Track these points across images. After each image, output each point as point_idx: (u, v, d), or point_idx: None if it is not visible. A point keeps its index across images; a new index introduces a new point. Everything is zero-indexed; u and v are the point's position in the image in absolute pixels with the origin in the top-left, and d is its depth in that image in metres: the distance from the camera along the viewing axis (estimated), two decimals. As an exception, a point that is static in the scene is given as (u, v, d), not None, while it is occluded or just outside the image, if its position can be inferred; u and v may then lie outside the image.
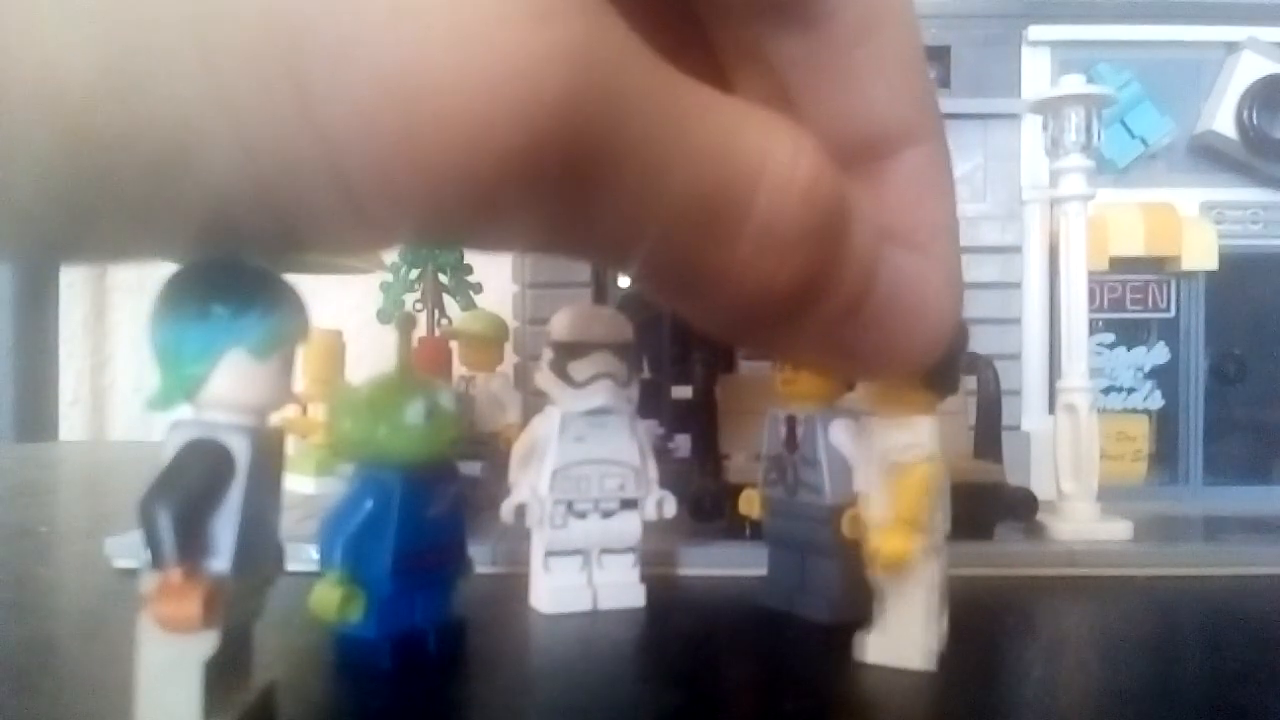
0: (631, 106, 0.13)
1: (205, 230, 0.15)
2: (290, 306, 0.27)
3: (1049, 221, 0.65)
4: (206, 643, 0.25)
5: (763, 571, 0.44)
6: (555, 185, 0.13)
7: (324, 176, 0.12)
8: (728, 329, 0.19)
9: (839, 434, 0.42)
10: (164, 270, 0.27)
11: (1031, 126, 0.64)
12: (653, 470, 0.44)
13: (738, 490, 0.46)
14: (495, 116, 0.11)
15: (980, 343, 0.55)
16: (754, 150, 0.14)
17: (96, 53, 0.11)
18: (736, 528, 0.49)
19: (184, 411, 0.27)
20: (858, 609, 0.38)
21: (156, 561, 0.24)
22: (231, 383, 0.26)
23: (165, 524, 0.24)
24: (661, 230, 0.14)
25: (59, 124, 0.12)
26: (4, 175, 0.12)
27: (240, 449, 0.26)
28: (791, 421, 0.43)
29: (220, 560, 0.26)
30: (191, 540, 0.25)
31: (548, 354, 0.43)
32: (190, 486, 0.25)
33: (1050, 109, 0.55)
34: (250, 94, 0.11)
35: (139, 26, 0.11)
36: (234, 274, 0.26)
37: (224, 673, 0.26)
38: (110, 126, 0.12)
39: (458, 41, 0.11)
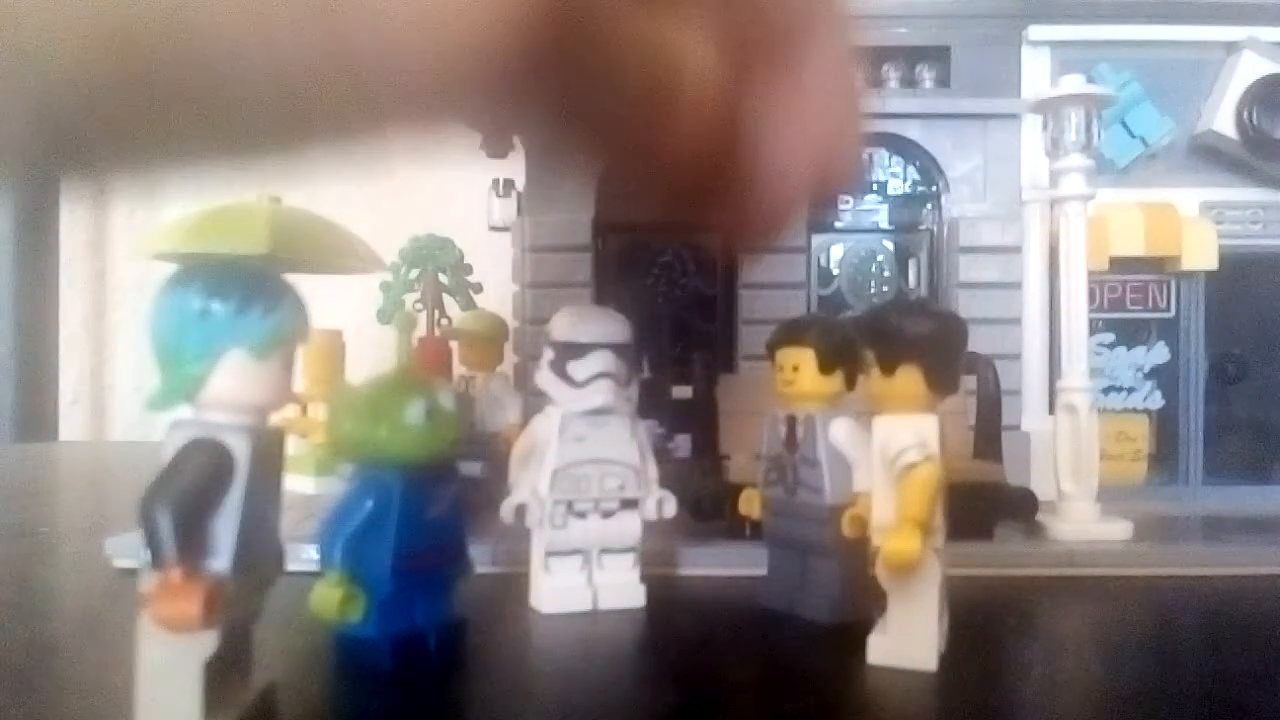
0: (597, 5, 0.16)
1: (228, 128, 0.16)
2: (291, 306, 0.27)
3: (1049, 221, 0.65)
4: (206, 642, 0.25)
5: (762, 571, 0.44)
6: (538, 71, 0.16)
7: (342, 76, 0.15)
8: (668, 192, 0.22)
9: (839, 433, 0.42)
10: (164, 271, 0.27)
11: (1031, 127, 0.64)
12: (653, 470, 0.44)
13: (738, 490, 0.46)
14: (500, 13, 0.14)
15: (980, 343, 0.55)
16: (679, 45, 0.18)
17: None
18: (736, 528, 0.49)
19: (183, 411, 0.27)
20: (857, 609, 0.38)
21: (156, 561, 0.24)
22: (232, 383, 0.26)
23: (165, 524, 0.24)
24: (612, 112, 0.18)
25: (102, 32, 0.13)
26: (45, 83, 0.14)
27: (240, 449, 0.26)
28: (791, 422, 0.43)
29: (220, 560, 0.26)
30: (191, 540, 0.25)
31: (548, 354, 0.43)
32: (190, 486, 0.25)
33: (1050, 109, 0.55)
34: (279, 15, 0.14)
35: None
36: (234, 273, 0.26)
37: (224, 672, 0.26)
38: (145, 34, 0.13)
39: None
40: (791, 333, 0.43)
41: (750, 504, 0.45)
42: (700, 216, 0.25)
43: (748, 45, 0.21)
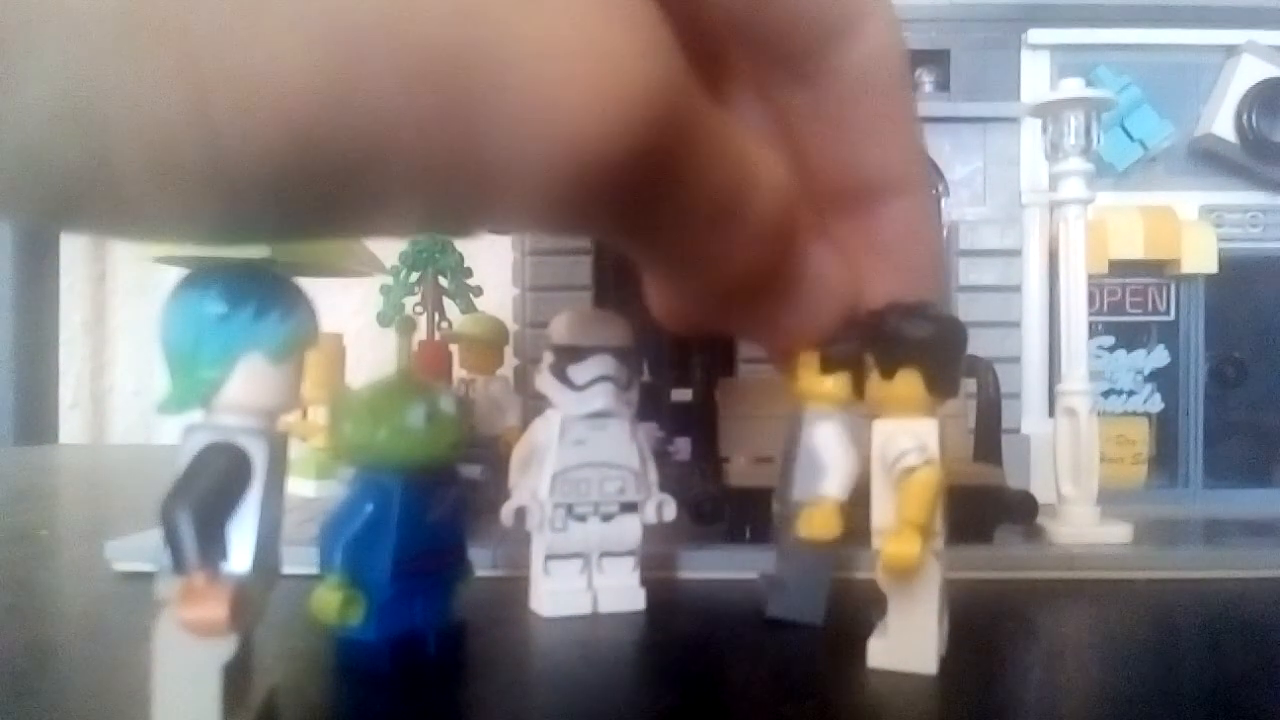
0: (695, 120, 0.17)
1: (362, 212, 0.17)
2: (304, 309, 0.27)
3: (1049, 225, 0.65)
4: (227, 646, 0.25)
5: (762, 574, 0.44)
6: (639, 181, 0.16)
7: (470, 175, 0.15)
8: (704, 301, 0.23)
9: (822, 433, 0.42)
10: (169, 275, 0.27)
11: (1031, 130, 0.65)
12: (653, 473, 0.44)
13: (738, 494, 0.46)
14: (621, 125, 0.15)
15: (980, 346, 0.55)
16: (754, 161, 0.19)
17: (319, 59, 0.14)
18: (737, 531, 0.49)
19: (195, 415, 0.27)
20: (843, 608, 0.38)
21: (179, 565, 0.24)
22: (248, 386, 0.26)
23: (187, 527, 0.24)
24: (691, 223, 0.18)
25: (286, 123, 0.14)
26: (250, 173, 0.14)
27: (258, 452, 0.26)
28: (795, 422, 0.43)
29: (241, 563, 0.26)
30: (212, 543, 0.25)
31: (548, 357, 0.43)
32: (210, 490, 0.25)
33: (1050, 112, 0.55)
34: (433, 107, 0.14)
35: (351, 43, 0.14)
36: (250, 277, 0.26)
37: (238, 676, 0.27)
38: (320, 125, 0.14)
39: (594, 74, 0.15)
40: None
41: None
42: (734, 321, 0.26)
43: (829, 179, 0.22)
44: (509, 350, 0.67)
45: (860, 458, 0.40)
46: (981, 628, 0.40)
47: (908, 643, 0.34)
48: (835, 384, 0.42)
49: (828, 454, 0.42)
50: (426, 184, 0.15)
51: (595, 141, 0.15)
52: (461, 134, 0.15)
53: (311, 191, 0.15)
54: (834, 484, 0.42)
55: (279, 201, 0.15)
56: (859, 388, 0.42)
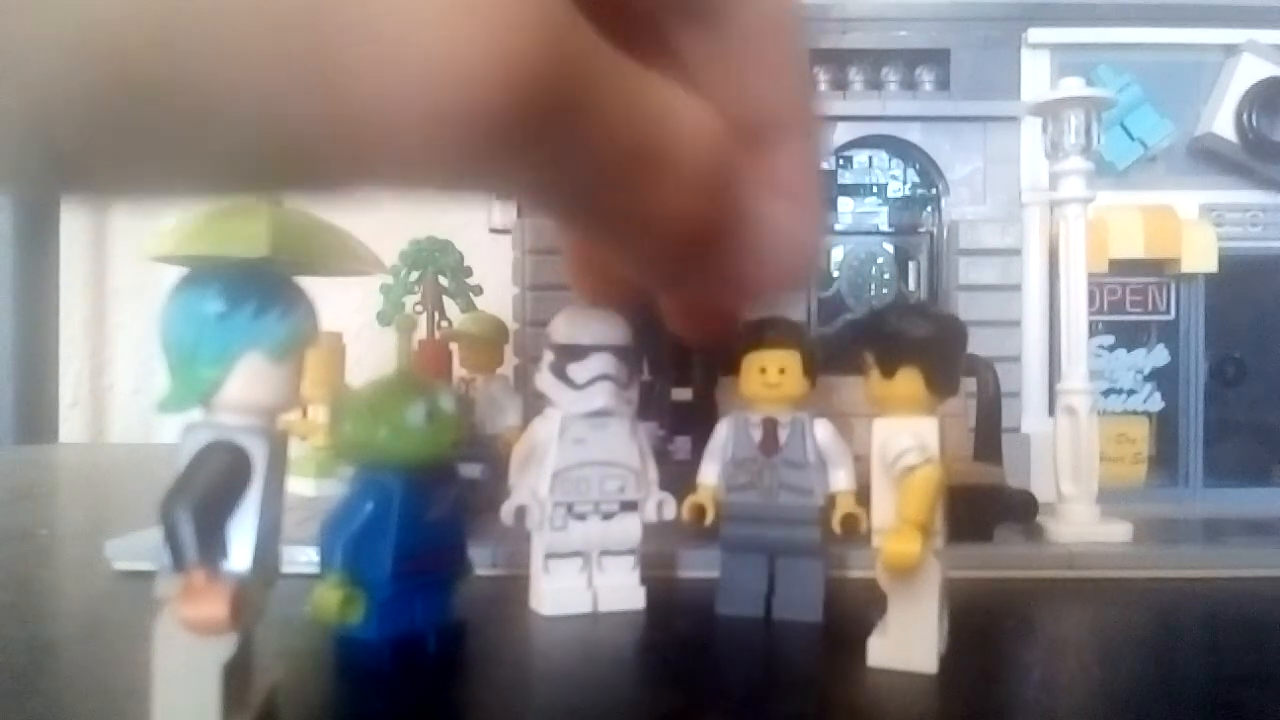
0: (591, 67, 0.16)
1: (216, 162, 0.16)
2: (304, 308, 0.27)
3: (1049, 224, 0.65)
4: (227, 645, 0.25)
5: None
6: (529, 133, 0.16)
7: (333, 122, 0.15)
8: (648, 265, 0.22)
9: (824, 434, 0.42)
10: (168, 274, 0.27)
11: (1031, 129, 0.65)
12: (653, 472, 0.44)
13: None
14: (496, 69, 0.14)
15: (980, 345, 0.55)
16: (673, 108, 0.18)
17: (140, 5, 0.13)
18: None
19: (194, 414, 0.27)
20: (842, 607, 0.38)
21: (179, 563, 0.24)
22: (248, 385, 0.26)
23: (187, 526, 0.24)
24: (604, 176, 0.18)
25: (97, 54, 0.13)
26: (41, 100, 0.14)
27: (258, 451, 0.26)
28: (771, 425, 0.43)
29: (241, 561, 0.26)
30: (212, 542, 0.25)
31: (548, 356, 0.43)
32: (210, 488, 0.25)
33: (1050, 111, 0.55)
34: (272, 43, 0.14)
35: None
36: (250, 276, 0.26)
37: (238, 675, 0.27)
38: (140, 60, 0.13)
39: (471, 13, 0.14)
40: (777, 334, 0.43)
41: (704, 509, 0.44)
42: (675, 289, 0.25)
43: (736, 122, 0.21)
44: (509, 349, 0.67)
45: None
46: (981, 627, 0.40)
47: (908, 642, 0.34)
48: (807, 385, 0.43)
49: (832, 449, 0.43)
50: (286, 134, 0.15)
51: (475, 91, 0.14)
52: (316, 79, 0.14)
53: (150, 138, 0.15)
54: (846, 477, 0.42)
55: (114, 148, 0.15)
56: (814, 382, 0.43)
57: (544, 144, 0.16)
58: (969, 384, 0.57)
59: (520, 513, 0.42)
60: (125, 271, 1.41)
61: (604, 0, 0.17)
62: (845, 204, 0.70)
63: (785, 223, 0.22)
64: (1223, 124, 0.65)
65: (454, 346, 0.66)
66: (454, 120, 0.15)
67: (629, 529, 0.43)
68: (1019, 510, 0.54)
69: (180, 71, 0.14)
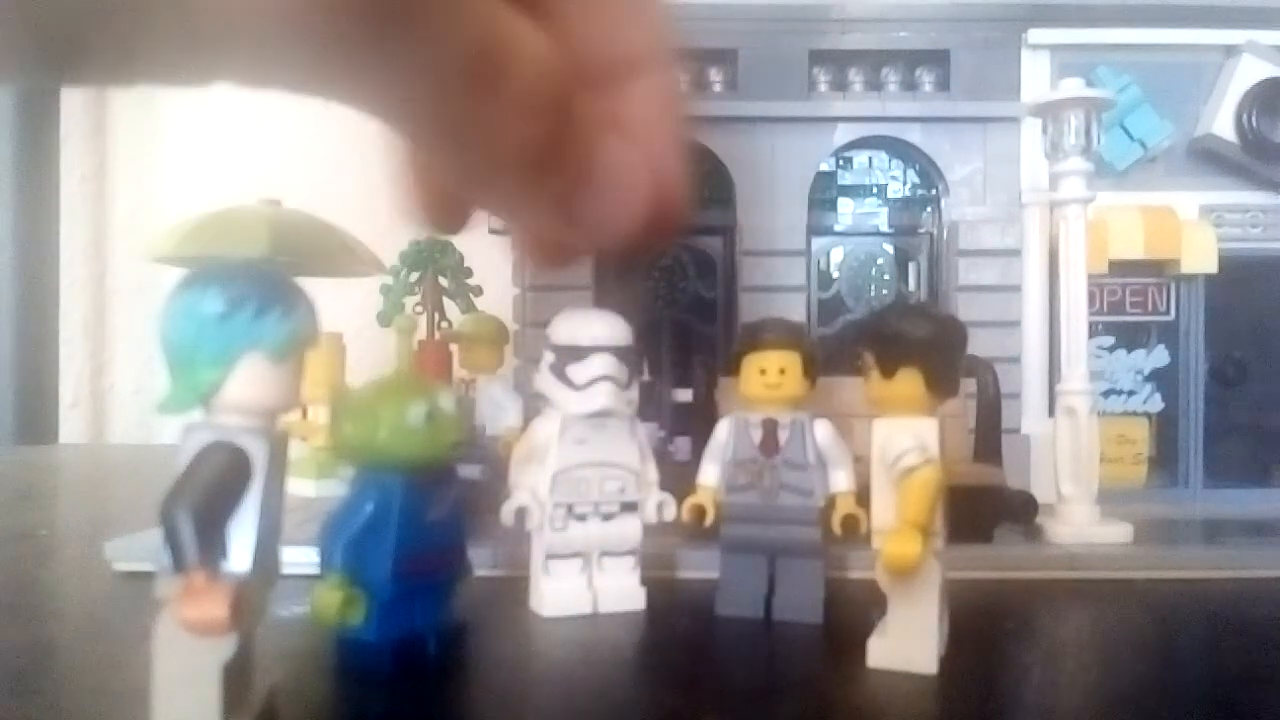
0: None
1: (52, 40, 0.16)
2: (304, 309, 0.27)
3: (1049, 225, 0.65)
4: (226, 646, 0.25)
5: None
6: (358, 24, 0.16)
7: (165, 7, 0.14)
8: (484, 185, 0.22)
9: (824, 435, 0.42)
10: (168, 275, 0.27)
11: (1031, 130, 0.65)
12: (653, 473, 0.44)
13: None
14: None
15: (980, 346, 0.55)
16: (511, 30, 0.18)
17: None
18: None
19: (194, 414, 0.27)
20: (843, 608, 0.38)
21: (179, 564, 0.24)
22: (248, 386, 0.26)
23: (187, 526, 0.24)
24: (438, 82, 0.18)
25: None
26: None
27: (258, 452, 0.26)
28: (771, 425, 0.43)
29: (241, 562, 0.26)
30: (212, 543, 0.25)
31: (548, 356, 0.43)
32: (210, 489, 0.25)
33: (1050, 112, 0.55)
34: None
35: None
36: (250, 277, 0.26)
37: (238, 675, 0.27)
38: None
39: None
40: (777, 335, 0.43)
41: (703, 510, 0.44)
42: (518, 211, 0.26)
43: (584, 55, 0.22)
44: (509, 350, 0.67)
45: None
46: (981, 628, 0.40)
47: (908, 642, 0.34)
48: (808, 386, 0.43)
49: (832, 450, 0.43)
50: (125, 15, 0.15)
51: None
52: None
53: None
54: (846, 478, 0.42)
55: None
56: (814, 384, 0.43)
57: (386, 35, 0.16)
58: (969, 385, 0.57)
59: (521, 513, 0.42)
60: (125, 272, 1.41)
61: None
62: (845, 205, 0.70)
63: (625, 164, 0.23)
64: (1222, 125, 0.65)
65: (454, 347, 0.66)
66: (278, 8, 0.15)
67: (629, 530, 0.43)
68: (1019, 511, 0.54)
69: None
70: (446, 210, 0.26)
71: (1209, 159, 0.67)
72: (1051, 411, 0.59)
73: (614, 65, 0.23)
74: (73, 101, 1.34)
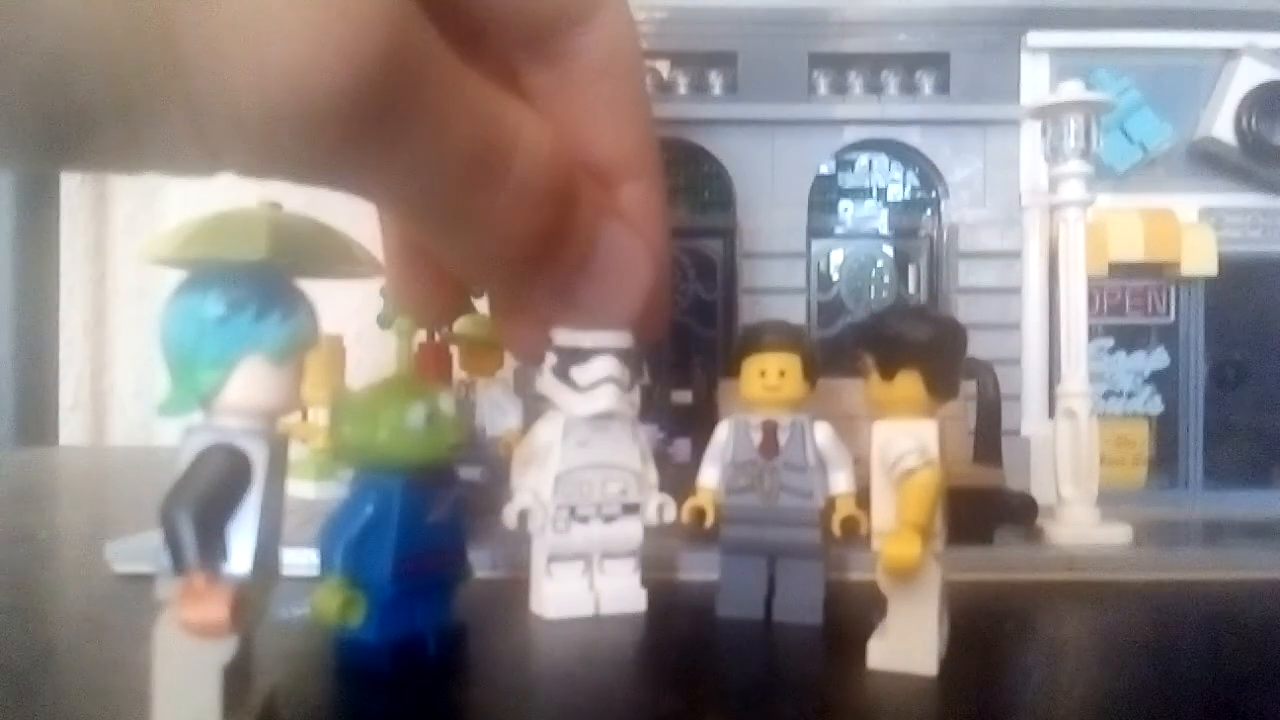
0: (427, 71, 0.17)
1: (70, 141, 0.16)
2: (305, 311, 0.27)
3: (1048, 227, 0.65)
4: (227, 647, 0.25)
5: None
6: (364, 128, 0.16)
7: (177, 106, 0.15)
8: (485, 272, 0.23)
9: (824, 437, 0.42)
10: (165, 277, 0.27)
11: (1031, 132, 0.65)
12: (653, 475, 0.44)
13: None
14: (327, 61, 0.15)
15: (980, 348, 0.55)
16: (513, 123, 0.19)
17: None
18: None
19: (195, 416, 0.27)
20: (843, 609, 0.38)
21: (179, 566, 0.24)
22: (248, 388, 0.26)
23: (187, 528, 0.24)
24: (441, 175, 0.18)
25: None
26: None
27: (258, 454, 0.26)
28: (770, 427, 0.43)
29: (241, 564, 0.26)
30: (212, 545, 0.25)
31: (550, 359, 0.43)
32: (210, 491, 0.25)
33: (1049, 115, 0.55)
34: (122, 30, 0.14)
35: None
36: (250, 279, 0.26)
37: (238, 677, 0.27)
38: None
39: (305, 6, 0.14)
40: (777, 337, 0.43)
41: (703, 512, 0.44)
42: (519, 296, 0.26)
43: (579, 155, 0.22)
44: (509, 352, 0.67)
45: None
46: (981, 629, 0.40)
47: (908, 644, 0.34)
48: (808, 388, 0.43)
49: (832, 452, 0.43)
50: (128, 104, 0.15)
51: (315, 74, 0.15)
52: (155, 44, 0.14)
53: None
54: (846, 480, 0.42)
55: None
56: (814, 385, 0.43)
57: (385, 132, 0.16)
58: (969, 387, 0.57)
59: (523, 515, 0.42)
60: (126, 274, 1.41)
61: (457, 39, 0.18)
62: (845, 207, 0.70)
63: (622, 248, 0.23)
64: (1222, 127, 0.65)
65: (454, 349, 0.66)
66: (293, 99, 0.15)
67: (630, 531, 0.43)
68: (1019, 513, 0.54)
69: (27, 36, 0.14)
70: (435, 304, 0.26)
71: (1209, 162, 0.67)
72: (1051, 413, 0.59)
73: (609, 166, 0.24)
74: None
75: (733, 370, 0.44)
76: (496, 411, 0.62)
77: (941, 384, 0.35)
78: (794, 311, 0.65)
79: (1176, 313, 0.67)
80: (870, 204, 0.70)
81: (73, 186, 1.37)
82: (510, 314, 0.28)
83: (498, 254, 0.21)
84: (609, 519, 0.43)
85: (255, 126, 0.15)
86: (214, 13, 0.14)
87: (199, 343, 0.26)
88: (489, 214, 0.19)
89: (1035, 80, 0.67)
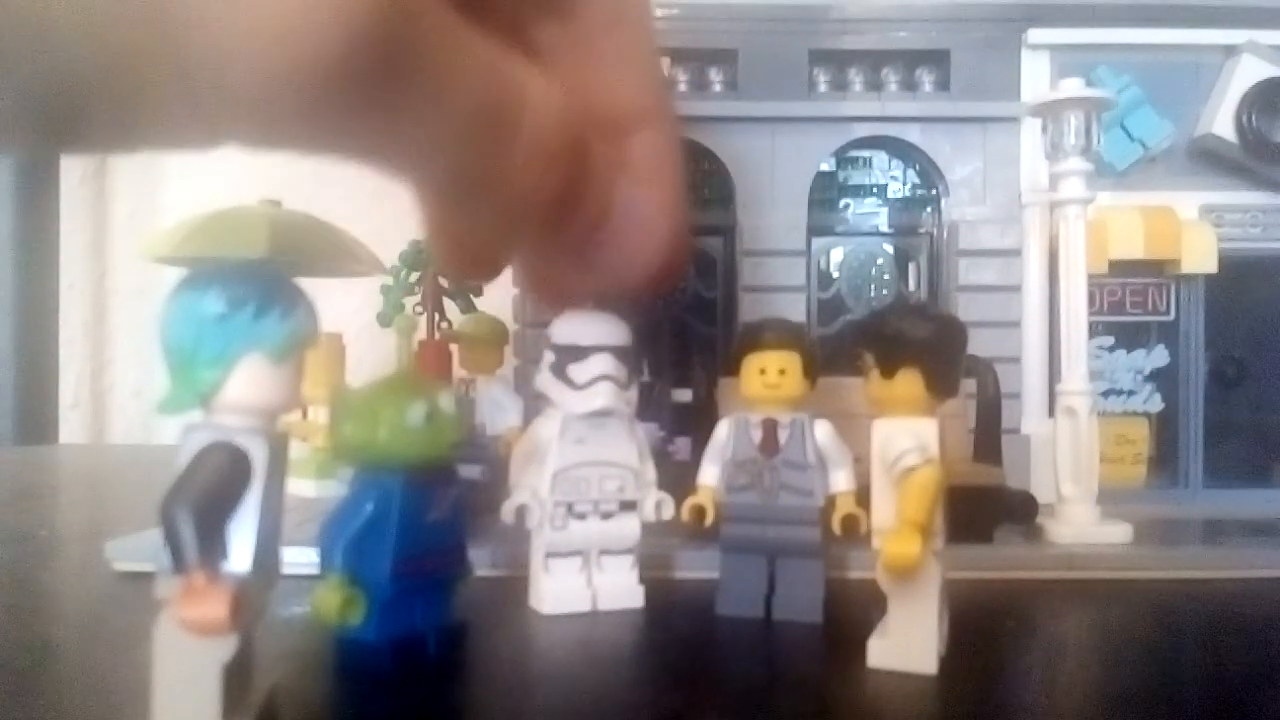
0: (426, 26, 0.16)
1: (62, 121, 0.16)
2: (305, 309, 0.27)
3: (1049, 225, 0.65)
4: (227, 646, 0.25)
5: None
6: (362, 88, 0.16)
7: (170, 80, 0.15)
8: (500, 237, 0.22)
9: (824, 435, 0.42)
10: (166, 275, 0.27)
11: (1031, 130, 0.65)
12: (651, 472, 0.44)
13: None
14: (321, 20, 0.14)
15: (980, 346, 0.55)
16: (519, 80, 0.18)
17: None
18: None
19: (194, 415, 0.27)
20: (843, 608, 0.38)
21: (179, 565, 0.24)
22: (247, 386, 0.26)
23: (187, 527, 0.24)
24: (449, 139, 0.18)
25: None
26: None
27: (258, 452, 0.26)
28: (770, 425, 0.43)
29: (241, 563, 0.26)
30: (212, 543, 0.25)
31: (548, 356, 0.43)
32: (210, 489, 0.25)
33: (1050, 112, 0.55)
34: (107, 4, 0.14)
35: None
36: (250, 277, 0.26)
37: (238, 675, 0.27)
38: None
39: None
40: (778, 335, 0.43)
41: (703, 510, 0.44)
42: (537, 256, 0.26)
43: (590, 109, 0.22)
44: (509, 350, 0.67)
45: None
46: (981, 628, 0.40)
47: (908, 642, 0.34)
48: (808, 386, 0.43)
49: (832, 451, 0.43)
50: (122, 78, 0.15)
51: (310, 35, 0.14)
52: (146, 14, 0.14)
53: None
54: (846, 478, 0.42)
55: None
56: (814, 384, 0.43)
57: (384, 94, 0.16)
58: (969, 385, 0.57)
59: (521, 512, 0.42)
60: (125, 273, 1.41)
61: None
62: (845, 205, 0.70)
63: (639, 205, 0.23)
64: (1222, 125, 0.65)
65: (454, 347, 0.66)
66: (287, 63, 0.15)
67: (628, 528, 0.43)
68: (1019, 511, 0.54)
69: (19, 13, 0.14)
70: (475, 261, 0.26)
71: (1209, 159, 0.67)
72: (1051, 411, 0.59)
73: (619, 116, 0.23)
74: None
75: (733, 368, 0.44)
76: (496, 409, 0.62)
77: (942, 382, 0.35)
78: (794, 309, 0.65)
79: (1176, 310, 0.67)
80: (870, 202, 0.70)
81: (73, 184, 1.37)
82: (535, 274, 0.28)
83: (514, 217, 0.20)
84: (607, 516, 0.43)
85: (251, 95, 0.15)
86: None
87: (198, 341, 0.26)
88: (501, 175, 0.19)
89: (1035, 77, 0.67)
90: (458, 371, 0.66)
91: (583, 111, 0.21)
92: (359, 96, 0.16)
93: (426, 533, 0.35)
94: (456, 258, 0.25)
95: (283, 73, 0.15)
